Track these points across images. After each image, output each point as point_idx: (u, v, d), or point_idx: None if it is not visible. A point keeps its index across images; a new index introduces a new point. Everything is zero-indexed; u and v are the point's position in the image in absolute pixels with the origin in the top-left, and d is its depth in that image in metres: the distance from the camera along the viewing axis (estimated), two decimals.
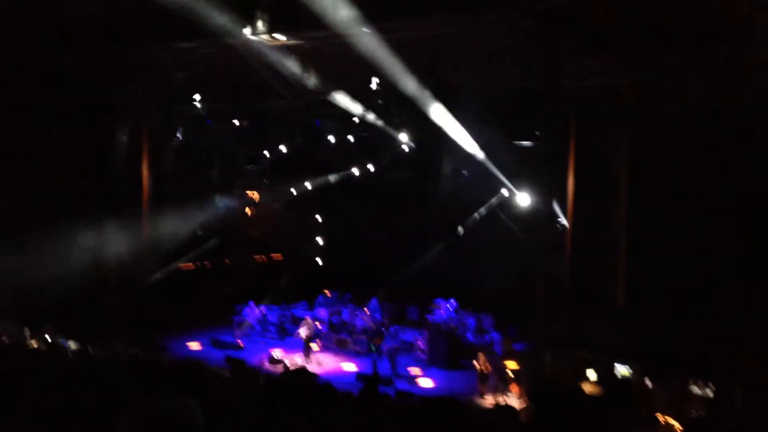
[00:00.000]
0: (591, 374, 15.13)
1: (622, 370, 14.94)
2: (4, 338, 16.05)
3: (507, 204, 21.04)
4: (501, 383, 16.45)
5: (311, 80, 19.45)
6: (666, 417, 13.18)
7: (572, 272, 16.53)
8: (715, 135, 16.91)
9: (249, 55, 17.72)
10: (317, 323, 20.27)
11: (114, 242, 21.06)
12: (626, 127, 19.09)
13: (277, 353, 18.59)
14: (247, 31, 16.00)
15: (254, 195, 25.86)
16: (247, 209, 25.53)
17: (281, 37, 16.06)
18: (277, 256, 25.58)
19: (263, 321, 21.14)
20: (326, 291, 22.93)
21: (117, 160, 20.26)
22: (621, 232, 19.44)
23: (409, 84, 18.73)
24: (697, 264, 17.51)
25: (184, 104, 21.28)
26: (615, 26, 14.28)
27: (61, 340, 16.36)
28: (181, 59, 18.92)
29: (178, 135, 21.67)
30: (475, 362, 17.02)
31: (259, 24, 15.74)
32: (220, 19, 15.94)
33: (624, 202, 19.34)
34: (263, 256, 25.41)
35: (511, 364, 17.40)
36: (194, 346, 19.99)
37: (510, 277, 20.83)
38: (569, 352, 15.31)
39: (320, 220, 26.47)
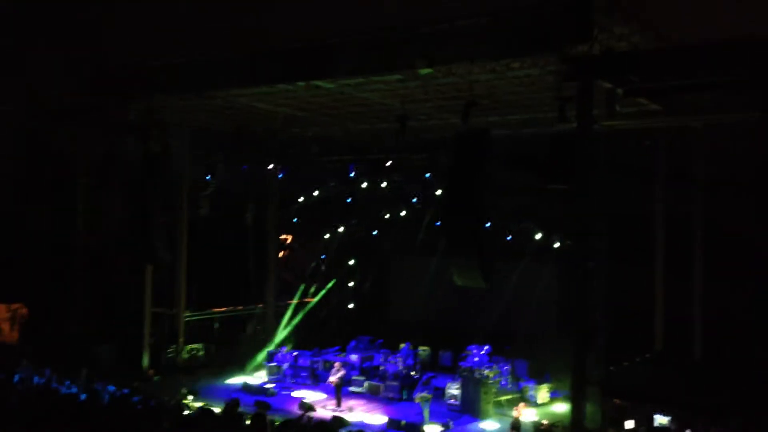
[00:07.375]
0: (629, 424, 14.70)
1: (661, 419, 14.49)
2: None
3: (538, 247, 20.85)
4: None
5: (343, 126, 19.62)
6: None
7: (609, 317, 16.18)
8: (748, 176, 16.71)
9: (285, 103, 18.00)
10: (349, 369, 20.03)
11: (151, 287, 21.19)
12: (660, 166, 18.98)
13: (307, 399, 18.37)
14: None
15: (288, 238, 25.95)
16: (280, 253, 25.57)
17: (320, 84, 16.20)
18: (309, 299, 25.46)
19: (295, 366, 20.97)
20: (358, 336, 22.74)
21: (154, 206, 20.46)
22: (659, 275, 19.10)
23: (443, 128, 18.83)
24: (737, 307, 17.14)
25: (221, 151, 21.61)
26: (650, 71, 14.15)
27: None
28: (219, 108, 19.20)
29: (214, 180, 21.88)
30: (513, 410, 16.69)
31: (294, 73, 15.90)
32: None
33: (662, 246, 19.04)
34: (296, 300, 25.29)
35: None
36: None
37: (546, 323, 20.53)
38: (607, 400, 14.88)
39: (353, 263, 26.39)
